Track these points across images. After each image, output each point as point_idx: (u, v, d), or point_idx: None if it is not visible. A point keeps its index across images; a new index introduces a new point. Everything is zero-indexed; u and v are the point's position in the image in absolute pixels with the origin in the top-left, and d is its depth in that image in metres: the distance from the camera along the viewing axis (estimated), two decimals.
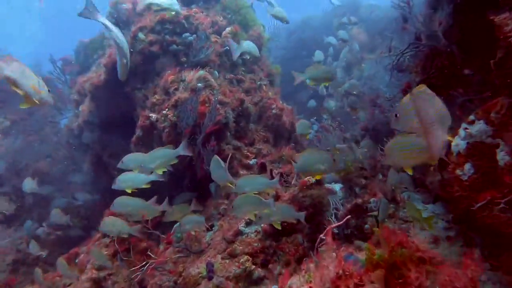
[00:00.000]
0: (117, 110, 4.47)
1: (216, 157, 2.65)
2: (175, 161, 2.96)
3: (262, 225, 3.11)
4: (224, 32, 4.79)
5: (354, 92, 5.13)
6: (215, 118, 3.41)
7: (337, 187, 5.16)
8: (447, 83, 2.65)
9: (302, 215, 2.78)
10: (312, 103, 7.40)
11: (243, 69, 4.93)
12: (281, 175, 3.34)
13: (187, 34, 4.20)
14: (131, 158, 2.95)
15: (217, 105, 3.54)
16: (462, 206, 2.27)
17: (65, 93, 5.72)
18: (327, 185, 4.80)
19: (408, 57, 3.28)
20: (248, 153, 4.35)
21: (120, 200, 3.14)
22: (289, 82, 9.66)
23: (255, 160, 4.30)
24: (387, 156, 2.14)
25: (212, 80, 3.75)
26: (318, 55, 7.23)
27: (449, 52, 2.56)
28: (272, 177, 3.45)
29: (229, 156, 2.93)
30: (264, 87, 4.98)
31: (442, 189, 2.76)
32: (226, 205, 3.79)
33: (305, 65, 9.32)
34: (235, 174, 4.27)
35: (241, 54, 5.01)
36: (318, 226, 3.14)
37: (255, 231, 3.16)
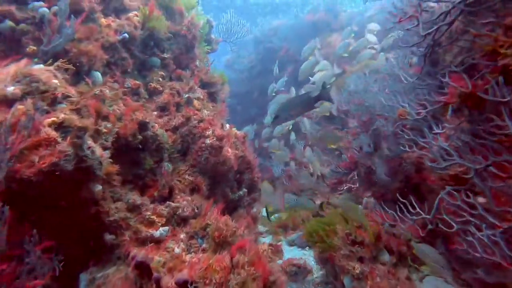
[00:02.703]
0: None
1: None
2: None
3: None
4: (129, 14, 2.97)
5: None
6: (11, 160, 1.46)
7: (313, 260, 3.41)
8: None
9: None
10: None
11: (162, 73, 3.07)
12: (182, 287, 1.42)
13: (38, 3, 2.31)
14: None
15: (51, 132, 1.62)
16: None
17: None
18: (294, 258, 3.03)
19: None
20: (153, 216, 2.42)
21: None
22: (255, 102, 7.92)
23: (166, 228, 2.38)
24: None
25: (54, 81, 1.84)
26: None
27: None
28: None
29: None
30: (195, 102, 3.12)
31: None
32: None
33: (275, 81, 7.66)
34: (124, 257, 2.34)
35: (161, 52, 3.17)
36: None
37: None
